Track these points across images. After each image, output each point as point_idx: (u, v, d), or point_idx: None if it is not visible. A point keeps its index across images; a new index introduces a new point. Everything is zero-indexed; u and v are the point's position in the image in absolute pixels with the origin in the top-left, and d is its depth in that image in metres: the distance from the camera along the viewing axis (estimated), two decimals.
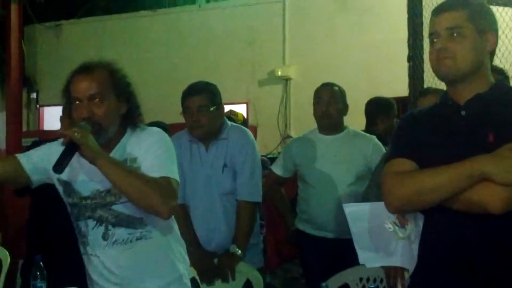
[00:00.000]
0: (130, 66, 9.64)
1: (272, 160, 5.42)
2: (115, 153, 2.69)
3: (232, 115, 5.56)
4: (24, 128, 9.96)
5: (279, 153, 7.05)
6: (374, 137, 4.46)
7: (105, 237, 2.68)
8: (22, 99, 9.99)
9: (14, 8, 9.69)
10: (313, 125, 4.61)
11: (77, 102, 2.64)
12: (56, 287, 3.54)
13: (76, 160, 2.60)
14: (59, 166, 2.49)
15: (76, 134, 2.46)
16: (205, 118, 3.90)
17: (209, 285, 3.82)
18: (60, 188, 2.79)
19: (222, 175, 3.95)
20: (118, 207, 2.67)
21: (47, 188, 3.96)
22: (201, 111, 3.89)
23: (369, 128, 4.90)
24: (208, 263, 3.85)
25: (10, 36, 9.67)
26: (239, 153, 3.95)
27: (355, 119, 4.62)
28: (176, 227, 2.87)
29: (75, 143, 2.47)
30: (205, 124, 3.90)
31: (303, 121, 7.41)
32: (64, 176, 2.70)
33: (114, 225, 2.67)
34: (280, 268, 5.37)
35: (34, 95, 10.43)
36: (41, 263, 3.55)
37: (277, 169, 4.58)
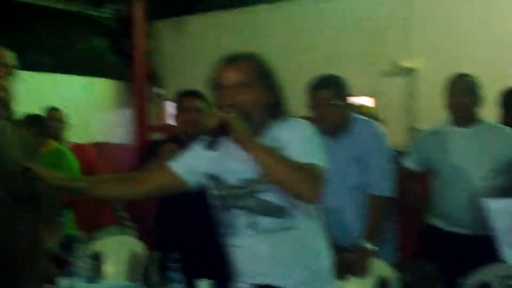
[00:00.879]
0: None
1: (399, 153, 5.31)
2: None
3: (360, 109, 5.49)
4: (150, 123, 10.21)
5: (407, 146, 6.93)
6: (510, 129, 4.27)
7: (252, 226, 2.70)
8: (147, 95, 10.31)
9: (138, 6, 9.98)
10: (442, 117, 4.47)
11: (224, 89, 2.69)
12: (191, 279, 3.64)
13: (222, 151, 2.64)
14: (212, 145, 2.54)
15: (227, 116, 2.53)
16: (333, 112, 3.85)
17: (341, 280, 3.77)
18: (210, 183, 2.82)
19: (351, 169, 3.90)
20: (265, 196, 2.67)
21: None
22: (328, 105, 3.85)
23: (507, 119, 4.69)
24: (340, 258, 3.81)
25: (135, 33, 9.98)
26: (369, 147, 3.88)
27: (484, 111, 4.42)
28: (319, 217, 2.85)
29: (225, 127, 2.52)
30: (332, 118, 3.86)
31: (431, 113, 7.22)
32: (212, 169, 2.75)
33: (260, 214, 2.68)
34: (412, 264, 5.27)
35: (159, 90, 10.69)
36: (176, 254, 3.64)
37: (408, 162, 4.48)
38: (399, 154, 5.28)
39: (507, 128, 4.30)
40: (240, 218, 2.72)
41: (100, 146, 7.27)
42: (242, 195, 2.70)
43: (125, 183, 2.95)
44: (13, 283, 2.89)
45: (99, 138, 9.11)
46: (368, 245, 3.79)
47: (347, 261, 3.78)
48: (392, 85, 8.50)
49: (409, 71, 8.54)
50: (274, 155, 2.56)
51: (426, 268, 4.61)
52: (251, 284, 2.73)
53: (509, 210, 2.61)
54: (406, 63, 8.47)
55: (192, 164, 2.84)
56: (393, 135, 5.11)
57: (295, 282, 2.70)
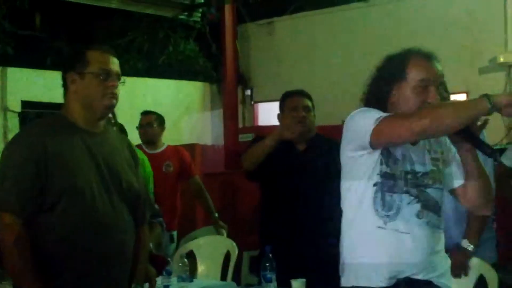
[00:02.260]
0: (344, 60, 9.72)
1: (499, 151, 5.13)
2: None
3: None
4: (240, 125, 10.27)
5: (507, 143, 6.72)
6: None
7: (419, 215, 2.67)
8: (237, 96, 10.37)
9: (228, 9, 10.06)
10: None
11: (429, 85, 2.66)
12: (284, 278, 3.62)
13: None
14: (493, 152, 2.52)
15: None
16: None
17: None
18: (377, 157, 2.69)
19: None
20: (431, 191, 2.70)
21: (276, 176, 4.09)
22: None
23: None
24: None
25: (225, 36, 10.06)
26: None
27: None
28: None
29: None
30: None
31: None
32: (392, 148, 2.69)
33: (424, 207, 2.68)
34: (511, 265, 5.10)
35: (248, 92, 10.74)
36: (270, 254, 3.63)
37: (507, 161, 4.34)
38: (498, 151, 5.11)
39: None
40: (408, 205, 2.67)
41: (191, 148, 7.33)
42: (413, 183, 2.67)
43: None
44: (120, 280, 2.93)
45: (190, 140, 9.20)
46: (469, 245, 3.68)
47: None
48: (489, 82, 8.23)
49: (506, 66, 8.27)
50: (481, 165, 2.64)
51: None
52: (400, 272, 2.67)
53: None
54: (504, 59, 8.20)
55: None
56: (491, 132, 4.95)
57: (438, 274, 2.71)
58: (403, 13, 9.04)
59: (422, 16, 8.81)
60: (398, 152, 2.67)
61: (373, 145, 2.59)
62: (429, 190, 2.68)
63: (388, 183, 2.67)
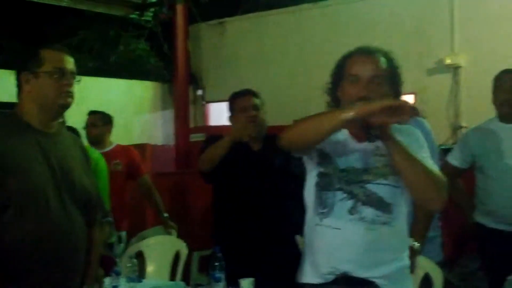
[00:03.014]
0: (293, 60, 9.78)
1: (444, 150, 5.23)
2: None
3: None
4: (191, 124, 10.26)
5: (452, 144, 6.84)
6: None
7: (352, 211, 2.67)
8: (189, 96, 10.36)
9: (179, 9, 10.05)
10: (486, 114, 4.39)
11: (359, 81, 2.65)
12: (234, 278, 3.63)
13: (343, 136, 2.68)
14: (372, 136, 2.51)
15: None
16: None
17: None
18: (314, 158, 2.76)
19: None
20: (373, 187, 2.66)
21: (231, 177, 4.10)
22: None
23: None
24: None
25: (176, 36, 10.05)
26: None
27: None
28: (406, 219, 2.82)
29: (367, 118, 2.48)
30: None
31: (476, 110, 7.12)
32: (326, 148, 2.71)
33: (364, 203, 2.66)
34: (456, 263, 5.20)
35: (200, 92, 10.73)
36: (220, 253, 3.64)
37: (454, 160, 4.41)
38: (444, 151, 5.21)
39: None
40: (341, 201, 2.68)
41: (141, 148, 7.29)
42: (348, 180, 2.68)
43: None
44: (73, 283, 2.92)
45: (140, 139, 9.15)
46: (415, 244, 3.73)
47: None
48: (436, 83, 8.38)
49: (453, 68, 8.42)
50: (412, 156, 2.55)
51: (469, 266, 4.55)
52: (334, 268, 2.68)
53: None
54: (451, 61, 8.35)
55: None
56: (437, 132, 5.07)
57: (379, 276, 2.67)
58: (352, 15, 9.14)
59: (370, 17, 8.92)
60: (332, 152, 2.71)
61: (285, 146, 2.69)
62: (370, 186, 2.66)
63: (323, 182, 2.72)
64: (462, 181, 4.59)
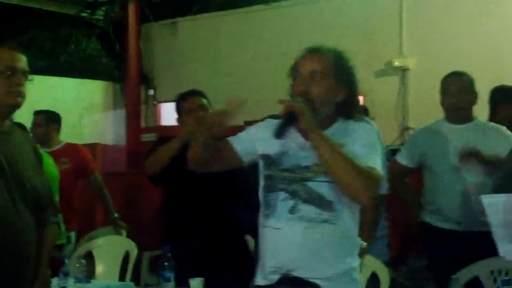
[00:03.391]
0: (246, 61, 9.80)
1: (393, 151, 5.31)
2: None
3: None
4: (143, 124, 10.21)
5: (400, 144, 6.93)
6: (504, 127, 4.29)
7: (292, 211, 2.68)
8: (140, 96, 10.30)
9: (131, 8, 10.00)
10: (433, 115, 4.49)
11: (299, 77, 2.72)
12: (183, 278, 3.64)
13: (292, 134, 2.69)
14: (280, 133, 2.59)
15: (297, 104, 2.56)
16: None
17: None
18: (261, 162, 2.81)
19: None
20: (313, 185, 2.67)
21: (180, 177, 4.09)
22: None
23: (491, 117, 4.73)
24: None
25: (128, 35, 9.99)
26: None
27: (477, 109, 4.43)
28: (357, 219, 2.80)
29: (293, 114, 2.55)
30: None
31: (423, 112, 7.24)
32: (268, 150, 2.75)
33: (304, 201, 2.67)
34: (403, 262, 5.28)
35: (151, 92, 10.67)
36: (169, 253, 3.64)
37: (402, 159, 4.48)
38: (392, 151, 5.30)
39: (499, 127, 4.31)
40: (282, 201, 2.70)
41: (92, 147, 7.24)
42: (290, 179, 2.69)
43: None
44: (24, 284, 2.88)
45: (91, 139, 9.07)
46: (362, 243, 3.77)
47: None
48: (385, 84, 8.48)
49: (401, 70, 8.54)
50: (337, 150, 2.57)
51: (416, 265, 4.63)
52: (276, 268, 2.70)
53: (502, 206, 2.61)
54: (399, 63, 8.46)
55: (251, 144, 2.84)
56: (385, 133, 5.16)
57: (322, 276, 2.66)
58: (303, 16, 9.19)
59: (321, 18, 8.98)
60: (274, 153, 2.74)
61: None
62: (310, 184, 2.67)
63: (267, 184, 2.76)
64: (411, 181, 4.67)
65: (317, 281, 2.66)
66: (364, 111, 5.75)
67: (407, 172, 4.53)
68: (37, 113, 5.95)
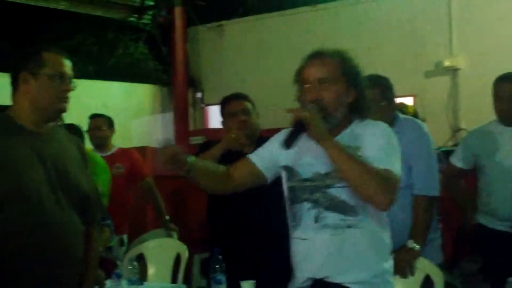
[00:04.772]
0: (293, 62, 9.70)
1: (445, 153, 5.24)
2: (340, 140, 2.69)
3: (402, 108, 5.43)
4: (191, 127, 10.26)
5: (452, 146, 6.85)
6: None
7: (317, 219, 2.68)
8: (188, 99, 10.37)
9: (177, 11, 10.07)
10: (486, 115, 4.42)
11: (307, 85, 2.71)
12: (234, 280, 3.63)
13: (301, 144, 2.67)
14: (288, 143, 2.59)
15: (305, 113, 2.55)
16: (378, 112, 3.80)
17: None
18: (284, 174, 2.83)
19: None
20: (334, 191, 2.67)
21: None
22: (375, 105, 3.80)
23: None
24: None
25: (175, 39, 10.06)
26: (413, 146, 3.82)
27: None
28: (386, 221, 2.82)
29: (303, 123, 2.54)
30: (376, 118, 3.82)
31: (475, 112, 7.13)
32: (288, 161, 2.77)
33: (327, 209, 2.67)
34: (457, 265, 5.19)
35: (199, 95, 10.74)
36: (220, 256, 3.64)
37: (456, 161, 4.42)
38: (444, 153, 5.22)
39: None
40: (307, 211, 2.70)
41: (141, 151, 7.29)
42: (312, 188, 2.69)
43: (219, 178, 2.95)
44: (72, 286, 2.91)
45: (139, 143, 9.14)
46: (415, 245, 3.73)
47: (395, 261, 3.73)
48: (435, 85, 8.39)
49: (451, 70, 8.44)
50: (350, 156, 2.57)
51: (471, 268, 4.55)
52: (308, 278, 2.71)
53: None
54: (450, 63, 8.36)
55: (271, 159, 2.86)
56: (437, 134, 5.11)
57: (354, 280, 2.67)
58: (350, 17, 9.16)
59: (367, 20, 8.94)
60: (293, 164, 2.75)
61: None
62: (331, 190, 2.67)
63: (291, 195, 2.77)
64: (467, 183, 4.61)
65: (350, 286, 2.66)
66: (414, 112, 5.70)
67: (462, 174, 4.46)
68: (97, 116, 6.00)
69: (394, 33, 8.61)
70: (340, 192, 2.65)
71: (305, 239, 2.71)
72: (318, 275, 2.68)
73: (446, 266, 4.32)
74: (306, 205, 2.70)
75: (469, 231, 4.50)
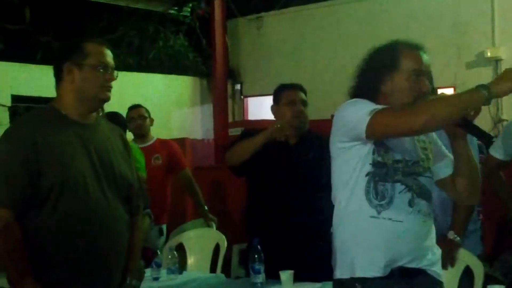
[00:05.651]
0: (332, 54, 9.69)
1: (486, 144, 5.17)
2: None
3: None
4: (230, 119, 10.29)
5: (494, 137, 6.75)
6: None
7: (411, 204, 2.69)
8: (227, 91, 10.40)
9: (217, 4, 10.09)
10: None
11: (421, 75, 2.72)
12: (273, 270, 3.65)
13: None
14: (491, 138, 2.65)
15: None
16: None
17: None
18: (369, 147, 2.69)
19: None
20: (423, 180, 2.72)
21: (262, 171, 4.10)
22: None
23: None
24: None
25: (214, 31, 10.09)
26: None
27: None
28: None
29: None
30: None
31: None
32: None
33: (418, 195, 2.71)
34: (497, 258, 5.14)
35: (238, 87, 10.76)
36: (258, 246, 3.66)
37: (495, 152, 4.36)
38: (486, 144, 5.16)
39: None
40: (400, 194, 2.68)
41: (181, 142, 7.35)
42: (406, 172, 2.69)
43: None
44: (117, 273, 2.96)
45: (179, 134, 9.21)
46: (456, 237, 3.71)
47: None
48: (477, 76, 8.26)
49: (493, 61, 8.32)
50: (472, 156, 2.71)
51: (510, 261, 4.49)
52: (390, 261, 2.68)
53: None
54: (491, 54, 8.25)
55: None
56: (478, 125, 5.03)
57: (428, 264, 2.74)
58: (389, 9, 9.08)
59: (408, 10, 8.86)
60: (389, 141, 2.67)
61: (368, 137, 2.60)
62: (421, 179, 2.70)
63: (380, 172, 2.67)
64: (507, 174, 4.55)
65: (425, 268, 2.72)
66: None
67: (502, 165, 4.40)
68: (136, 107, 6.05)
69: (434, 24, 8.51)
70: (427, 182, 2.73)
71: (399, 221, 2.66)
72: (404, 259, 2.67)
73: (486, 258, 4.29)
74: (399, 187, 2.67)
75: (510, 223, 4.45)
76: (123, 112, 5.89)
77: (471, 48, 8.43)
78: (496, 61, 8.30)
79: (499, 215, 4.75)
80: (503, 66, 8.26)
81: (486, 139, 2.58)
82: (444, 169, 2.78)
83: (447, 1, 8.65)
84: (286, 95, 4.17)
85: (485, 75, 8.31)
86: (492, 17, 8.33)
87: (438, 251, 2.80)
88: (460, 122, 2.51)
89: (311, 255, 3.96)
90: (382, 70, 2.71)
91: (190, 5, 10.53)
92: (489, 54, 8.28)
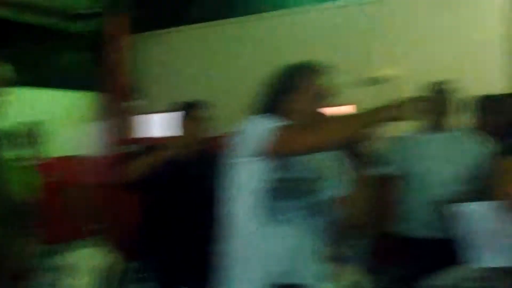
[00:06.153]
0: (236, 72, 9.46)
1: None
2: None
3: None
4: (124, 136, 10.16)
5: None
6: None
7: (304, 220, 2.82)
8: (123, 107, 10.25)
9: (117, 18, 9.97)
10: (408, 124, 4.51)
11: (323, 95, 2.84)
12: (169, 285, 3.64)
13: None
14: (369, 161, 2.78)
15: None
16: None
17: None
18: (268, 164, 2.77)
19: None
20: (322, 197, 2.86)
21: (158, 186, 4.09)
22: None
23: (481, 125, 4.70)
24: None
25: (112, 46, 9.96)
26: None
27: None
28: None
29: None
30: None
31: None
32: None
33: (313, 212, 2.86)
34: (381, 269, 5.29)
35: (134, 103, 10.64)
36: (148, 265, 3.65)
37: (379, 168, 4.49)
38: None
39: (477, 136, 4.33)
40: (296, 211, 2.77)
41: (72, 159, 7.22)
42: (303, 190, 2.78)
43: None
44: None
45: (71, 151, 9.03)
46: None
47: None
48: (364, 94, 8.48)
49: (378, 81, 8.55)
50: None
51: (395, 273, 4.63)
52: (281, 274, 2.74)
53: (483, 214, 2.64)
54: (376, 73, 8.49)
55: None
56: None
57: (313, 280, 2.81)
58: (291, 30, 9.22)
59: (305, 32, 9.00)
60: (289, 158, 2.75)
61: (269, 154, 2.67)
62: (320, 196, 2.80)
63: (278, 189, 2.76)
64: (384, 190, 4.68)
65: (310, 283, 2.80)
66: None
67: (382, 181, 4.54)
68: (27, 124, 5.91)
69: (321, 45, 8.64)
70: (326, 200, 2.82)
71: (289, 236, 2.75)
72: (287, 275, 2.74)
73: (372, 271, 4.39)
74: (294, 204, 2.76)
75: (390, 237, 4.56)
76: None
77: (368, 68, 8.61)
78: (382, 80, 8.52)
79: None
80: (389, 85, 8.49)
81: (363, 161, 2.65)
82: (338, 188, 2.88)
83: (331, 24, 8.79)
84: (194, 112, 4.27)
85: (372, 93, 8.50)
86: (374, 39, 8.55)
87: (324, 268, 2.87)
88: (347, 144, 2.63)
89: (203, 272, 3.97)
90: (284, 90, 2.81)
91: (91, 19, 10.38)
92: (374, 74, 8.50)
